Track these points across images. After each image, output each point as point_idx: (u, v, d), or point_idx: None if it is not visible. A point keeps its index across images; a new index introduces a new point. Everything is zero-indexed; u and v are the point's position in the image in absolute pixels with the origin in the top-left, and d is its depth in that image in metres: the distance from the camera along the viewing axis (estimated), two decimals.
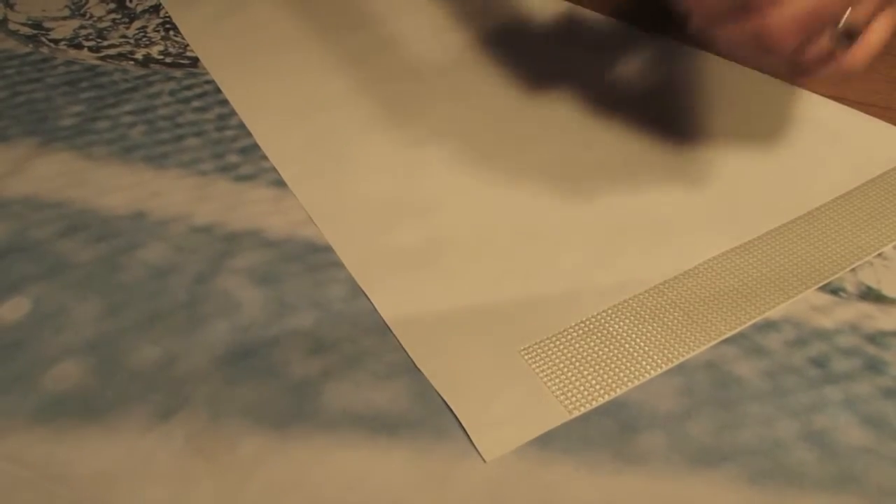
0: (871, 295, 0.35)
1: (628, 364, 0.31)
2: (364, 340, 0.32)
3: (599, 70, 0.47)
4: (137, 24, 0.51)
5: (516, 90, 0.45)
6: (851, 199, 0.39)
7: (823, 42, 0.31)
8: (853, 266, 0.36)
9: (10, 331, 0.32)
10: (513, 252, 0.36)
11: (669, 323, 0.33)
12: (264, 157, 0.40)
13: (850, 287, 0.35)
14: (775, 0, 0.29)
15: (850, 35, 0.31)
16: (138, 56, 0.48)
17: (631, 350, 0.32)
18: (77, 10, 0.51)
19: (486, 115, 0.44)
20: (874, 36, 0.32)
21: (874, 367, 0.32)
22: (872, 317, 0.34)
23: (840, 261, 0.36)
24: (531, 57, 0.48)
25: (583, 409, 0.30)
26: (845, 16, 0.31)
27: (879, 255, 0.36)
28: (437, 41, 0.49)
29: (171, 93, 0.45)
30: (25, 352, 0.31)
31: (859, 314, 0.34)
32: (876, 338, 0.33)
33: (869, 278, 0.35)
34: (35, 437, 0.28)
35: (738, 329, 0.33)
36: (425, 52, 0.48)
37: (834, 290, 0.35)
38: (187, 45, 0.49)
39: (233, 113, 0.43)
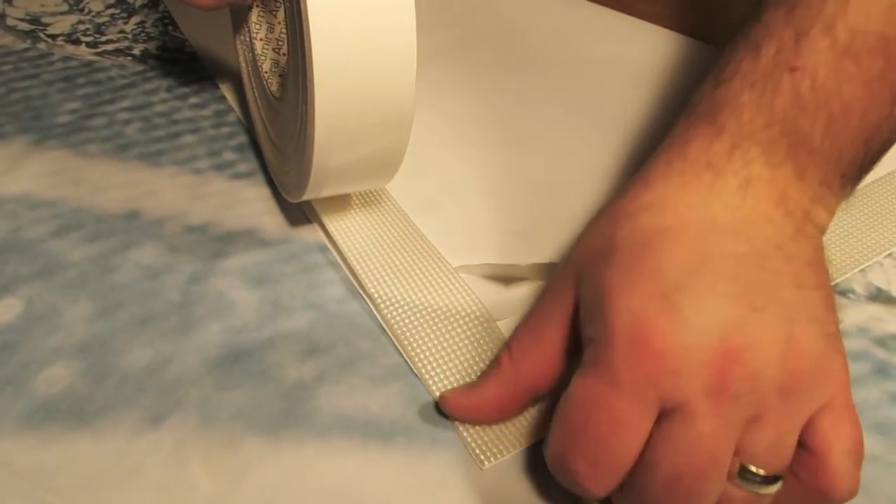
0: (880, 296, 0.34)
1: None
2: (359, 343, 0.31)
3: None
4: (136, 19, 0.50)
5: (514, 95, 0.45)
6: (860, 198, 0.38)
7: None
8: (862, 267, 0.35)
9: (1, 333, 0.31)
10: (512, 255, 0.35)
11: None
12: (260, 155, 0.40)
13: (859, 288, 0.34)
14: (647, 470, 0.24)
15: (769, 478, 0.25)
16: (136, 52, 0.47)
17: None
18: (75, 5, 0.51)
19: (487, 117, 0.43)
20: (838, 447, 0.25)
21: (883, 371, 0.31)
22: (882, 319, 0.33)
23: (849, 261, 0.35)
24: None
25: None
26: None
27: (889, 255, 0.35)
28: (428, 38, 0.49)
29: (169, 89, 0.44)
30: (16, 355, 0.30)
31: (868, 316, 0.33)
32: (885, 341, 0.32)
33: (878, 279, 0.34)
34: (24, 442, 0.28)
35: None
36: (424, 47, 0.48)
37: (842, 291, 0.34)
38: (185, 40, 0.48)
39: (230, 109, 0.43)
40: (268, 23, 0.38)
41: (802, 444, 0.25)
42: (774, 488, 0.24)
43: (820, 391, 0.25)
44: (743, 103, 0.28)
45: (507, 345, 0.29)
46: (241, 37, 0.40)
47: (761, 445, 0.24)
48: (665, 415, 0.24)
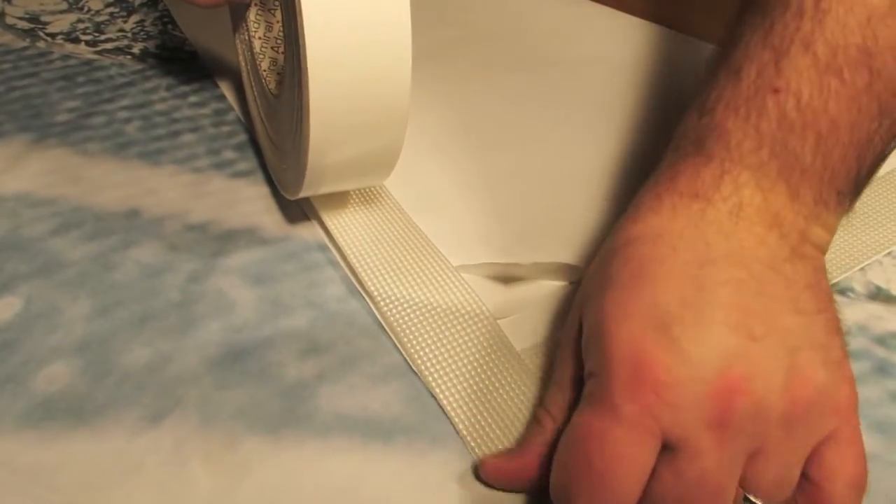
0: (880, 295, 0.34)
1: None
2: (359, 342, 0.31)
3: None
4: (135, 17, 0.50)
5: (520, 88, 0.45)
6: (861, 197, 0.37)
7: None
8: (862, 265, 0.35)
9: (1, 331, 0.31)
10: (513, 251, 0.35)
11: None
12: (260, 154, 0.40)
13: (858, 287, 0.34)
14: None
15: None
16: (136, 50, 0.47)
17: None
18: (75, 4, 0.51)
19: (486, 117, 0.43)
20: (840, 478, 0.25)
21: (883, 369, 0.31)
22: (882, 318, 0.33)
23: (849, 260, 0.35)
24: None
25: None
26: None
27: (889, 253, 0.35)
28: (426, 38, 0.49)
29: (168, 87, 0.44)
30: (16, 353, 0.30)
31: (868, 315, 0.33)
32: (885, 339, 0.32)
33: (878, 278, 0.34)
34: (24, 441, 0.28)
35: None
36: (426, 44, 0.48)
37: (842, 290, 0.34)
38: (185, 39, 0.48)
39: (230, 108, 0.43)
40: (266, 21, 0.38)
41: (805, 474, 0.25)
42: None
43: (824, 422, 0.25)
44: (729, 129, 0.28)
45: (543, 405, 0.28)
46: (241, 35, 0.40)
47: (765, 478, 0.24)
48: (667, 448, 0.24)
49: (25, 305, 0.32)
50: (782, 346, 0.24)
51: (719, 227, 0.27)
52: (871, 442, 0.28)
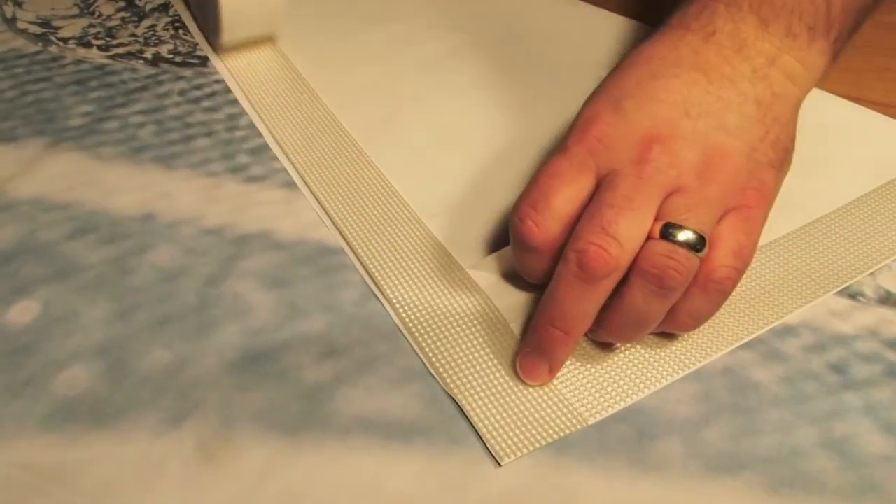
0: (890, 299, 0.34)
1: (645, 370, 0.31)
2: (376, 345, 0.32)
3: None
4: (147, 22, 0.50)
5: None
6: (870, 201, 0.38)
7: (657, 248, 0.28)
8: (872, 270, 0.35)
9: (20, 335, 0.31)
10: None
11: None
12: (275, 158, 0.40)
13: (869, 291, 0.34)
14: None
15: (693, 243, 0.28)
16: (148, 55, 0.47)
17: (647, 356, 0.31)
18: (86, 9, 0.51)
19: (497, 122, 0.43)
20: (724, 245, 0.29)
21: (894, 373, 0.31)
22: (892, 322, 0.33)
23: (859, 264, 0.35)
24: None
25: (599, 416, 0.29)
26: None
27: None
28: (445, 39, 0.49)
29: (181, 92, 0.44)
30: (35, 356, 0.31)
31: (879, 319, 0.33)
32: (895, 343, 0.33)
33: (888, 282, 0.35)
34: (45, 443, 0.28)
35: (756, 334, 0.32)
36: (435, 51, 0.48)
37: (853, 294, 0.34)
38: (197, 43, 0.48)
39: (243, 113, 0.43)
40: None
41: None
42: (697, 249, 0.28)
43: (735, 192, 0.29)
44: None
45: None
46: None
47: (679, 205, 0.28)
48: (600, 182, 0.30)
49: (43, 309, 0.32)
50: (712, 128, 0.30)
51: (693, 47, 0.32)
52: (883, 444, 0.29)
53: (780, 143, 0.31)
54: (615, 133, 0.30)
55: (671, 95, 0.31)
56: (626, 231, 0.28)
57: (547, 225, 0.29)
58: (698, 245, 0.28)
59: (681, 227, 0.28)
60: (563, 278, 0.28)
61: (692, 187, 0.29)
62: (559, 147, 0.31)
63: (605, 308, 0.29)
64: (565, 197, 0.29)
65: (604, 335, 0.30)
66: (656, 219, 0.28)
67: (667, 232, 0.28)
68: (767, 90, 0.32)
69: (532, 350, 0.30)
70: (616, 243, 0.27)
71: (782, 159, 0.32)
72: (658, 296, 0.28)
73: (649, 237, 0.28)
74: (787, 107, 0.32)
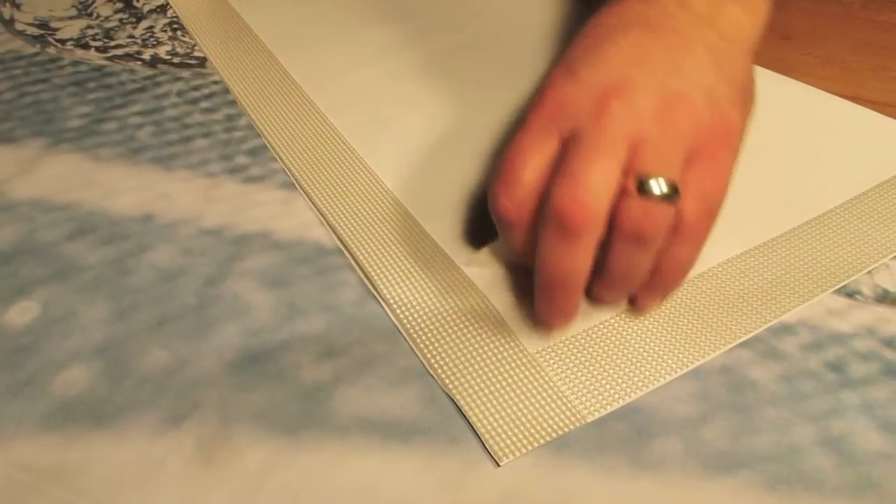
0: (887, 298, 0.34)
1: (643, 368, 0.31)
2: (375, 345, 0.32)
3: None
4: (145, 23, 0.50)
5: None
6: (867, 200, 0.38)
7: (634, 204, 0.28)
8: (869, 268, 0.35)
9: (19, 335, 0.31)
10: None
11: (684, 326, 0.32)
12: (273, 159, 0.40)
13: (866, 290, 0.35)
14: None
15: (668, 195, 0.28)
16: (146, 56, 0.47)
17: (646, 354, 0.31)
18: (84, 10, 0.51)
19: (494, 122, 0.44)
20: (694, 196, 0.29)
21: (892, 371, 0.31)
22: (889, 320, 0.33)
23: (856, 263, 0.35)
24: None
25: (597, 414, 0.29)
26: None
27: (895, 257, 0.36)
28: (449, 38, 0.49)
29: (179, 93, 0.44)
30: (34, 357, 0.31)
31: (876, 317, 0.33)
32: (893, 342, 0.33)
33: (885, 281, 0.35)
34: (44, 443, 0.28)
35: (754, 332, 0.32)
36: (431, 52, 0.48)
37: (850, 293, 0.34)
38: (195, 45, 0.48)
39: (241, 114, 0.43)
40: None
41: None
42: (670, 198, 0.28)
43: (700, 133, 0.29)
44: None
45: None
46: None
47: (647, 156, 0.28)
48: (565, 144, 0.30)
49: (43, 310, 0.33)
50: (666, 74, 0.30)
51: (636, 10, 0.34)
52: (880, 442, 0.29)
53: (736, 81, 0.32)
54: (571, 95, 0.30)
55: (621, 52, 0.31)
56: (596, 180, 0.28)
57: (520, 198, 0.30)
58: (672, 194, 0.28)
59: (652, 179, 0.28)
60: (547, 240, 0.29)
61: (655, 134, 0.29)
62: (520, 122, 0.32)
63: (595, 269, 0.30)
64: (533, 167, 0.30)
65: (597, 294, 0.32)
66: (627, 173, 0.28)
67: (640, 186, 0.28)
68: (714, 34, 0.33)
69: (539, 319, 0.31)
70: (589, 192, 0.28)
71: (742, 98, 0.32)
72: (640, 250, 0.29)
73: (624, 193, 0.28)
74: (738, 49, 0.34)
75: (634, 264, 0.29)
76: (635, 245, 0.28)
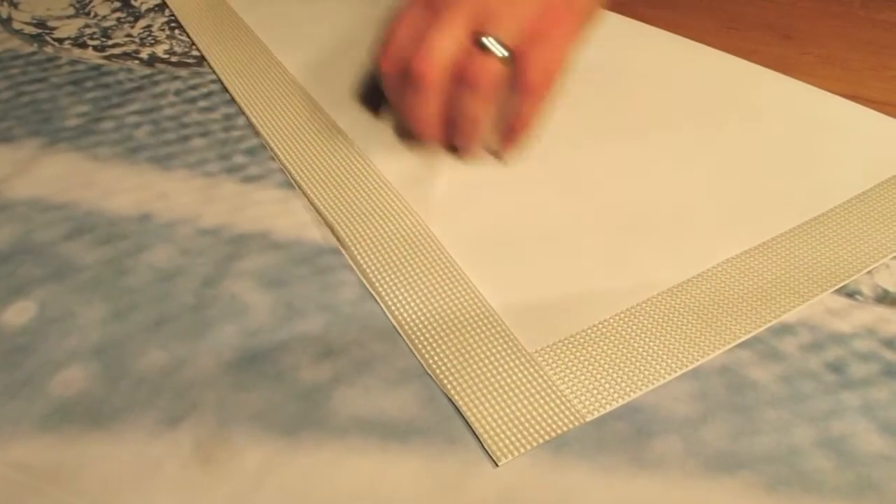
0: (887, 298, 0.34)
1: (643, 368, 0.31)
2: (374, 345, 0.32)
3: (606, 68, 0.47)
4: (142, 22, 0.50)
5: None
6: (867, 199, 0.38)
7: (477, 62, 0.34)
8: (869, 269, 0.35)
9: (16, 335, 0.31)
10: (526, 254, 0.35)
11: (684, 326, 0.32)
12: (271, 158, 0.40)
13: (866, 290, 0.35)
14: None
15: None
16: (143, 55, 0.47)
17: (645, 354, 0.31)
18: (81, 9, 0.51)
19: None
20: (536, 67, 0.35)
21: (891, 372, 0.31)
22: (890, 321, 0.33)
23: (856, 263, 0.35)
24: None
25: (597, 413, 0.29)
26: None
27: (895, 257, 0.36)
28: None
29: (177, 92, 0.44)
30: (31, 357, 0.31)
31: (876, 318, 0.33)
32: (893, 342, 0.33)
33: (886, 281, 0.35)
34: (41, 443, 0.28)
35: (754, 333, 0.32)
36: None
37: (850, 293, 0.34)
38: (193, 43, 0.48)
39: (239, 113, 0.43)
40: None
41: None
42: (501, 53, 0.34)
43: (542, 9, 0.34)
44: None
45: None
46: None
47: (489, 22, 0.34)
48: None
49: (40, 310, 0.32)
50: None
51: None
52: (880, 443, 0.29)
53: None
54: None
55: None
56: (441, 44, 0.34)
57: (393, 54, 0.36)
58: (503, 50, 0.34)
59: (485, 38, 0.34)
60: (406, 93, 0.36)
61: (499, 7, 0.34)
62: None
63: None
64: (403, 34, 0.36)
65: (457, 143, 0.39)
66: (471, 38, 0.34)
67: (477, 43, 0.34)
68: None
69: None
70: (433, 51, 0.34)
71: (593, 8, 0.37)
72: (473, 96, 0.35)
73: (465, 53, 0.34)
74: None
75: (472, 109, 0.35)
76: (469, 91, 0.34)
